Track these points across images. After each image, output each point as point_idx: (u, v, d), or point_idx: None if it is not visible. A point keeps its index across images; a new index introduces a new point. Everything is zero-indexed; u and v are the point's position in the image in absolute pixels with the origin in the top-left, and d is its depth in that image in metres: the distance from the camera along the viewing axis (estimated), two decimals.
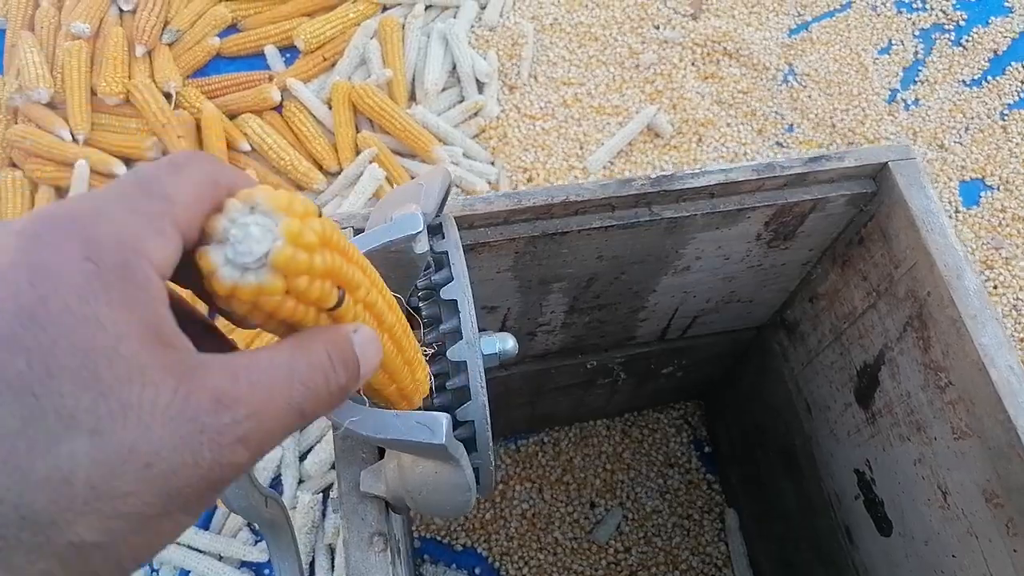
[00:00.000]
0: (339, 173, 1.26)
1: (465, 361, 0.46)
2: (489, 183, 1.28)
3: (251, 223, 0.25)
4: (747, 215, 0.70)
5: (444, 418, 0.38)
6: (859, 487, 0.79)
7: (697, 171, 0.67)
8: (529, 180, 1.30)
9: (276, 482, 1.12)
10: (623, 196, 0.66)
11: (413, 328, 0.46)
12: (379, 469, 0.51)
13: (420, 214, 0.42)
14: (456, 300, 0.48)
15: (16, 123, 1.25)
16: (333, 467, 1.12)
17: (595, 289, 0.78)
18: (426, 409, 0.50)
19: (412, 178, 1.27)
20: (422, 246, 0.43)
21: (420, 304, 0.53)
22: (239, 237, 0.25)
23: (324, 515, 1.08)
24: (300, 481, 1.11)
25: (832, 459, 0.84)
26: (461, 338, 0.47)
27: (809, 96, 1.43)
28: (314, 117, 1.29)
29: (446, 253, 0.50)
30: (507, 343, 0.55)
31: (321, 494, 1.10)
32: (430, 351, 0.49)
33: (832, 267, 0.78)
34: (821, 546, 0.90)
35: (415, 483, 0.47)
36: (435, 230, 0.53)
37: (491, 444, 0.48)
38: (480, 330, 0.51)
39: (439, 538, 1.08)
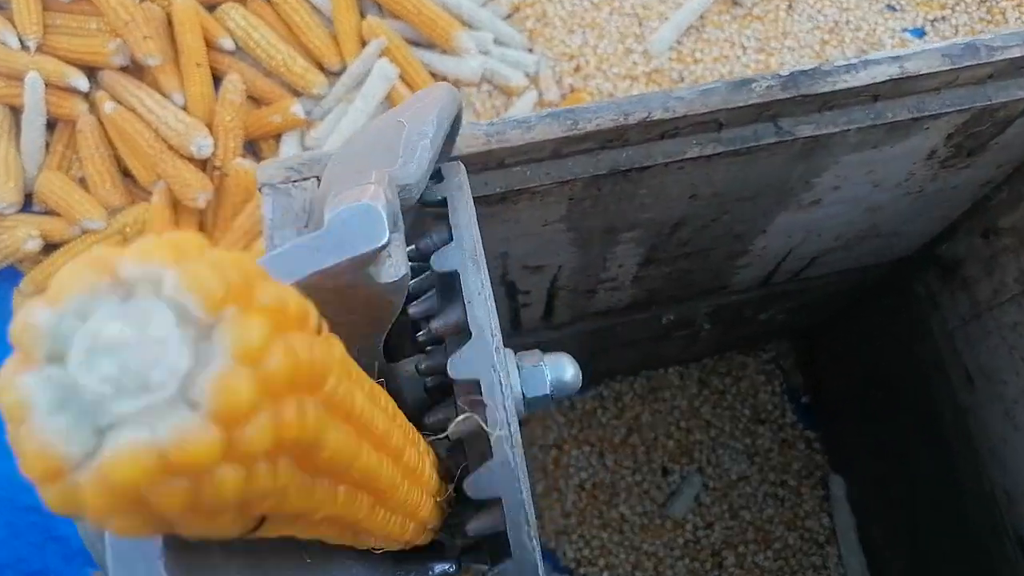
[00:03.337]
0: (343, 72, 1.02)
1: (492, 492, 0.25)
2: (527, 76, 1.03)
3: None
4: (924, 126, 0.46)
5: None
6: None
7: (854, 61, 0.43)
8: (576, 70, 1.04)
9: None
10: (736, 108, 0.42)
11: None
12: None
13: (379, 207, 0.20)
14: (462, 296, 0.26)
15: None
16: None
17: (681, 236, 0.55)
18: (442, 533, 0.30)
19: (432, 77, 1.03)
20: (390, 271, 0.21)
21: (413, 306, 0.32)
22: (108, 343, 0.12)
23: None
24: None
25: (1005, 446, 0.63)
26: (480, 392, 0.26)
27: None
28: (310, 3, 1.05)
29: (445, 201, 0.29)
30: (563, 372, 0.34)
31: None
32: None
33: None
34: (973, 547, 0.70)
35: None
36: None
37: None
38: (507, 343, 0.30)
39: None
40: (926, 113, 0.45)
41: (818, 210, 0.55)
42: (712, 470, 0.92)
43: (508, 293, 0.58)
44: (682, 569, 0.88)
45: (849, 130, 0.44)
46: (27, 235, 0.96)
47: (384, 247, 0.20)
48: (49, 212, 1.01)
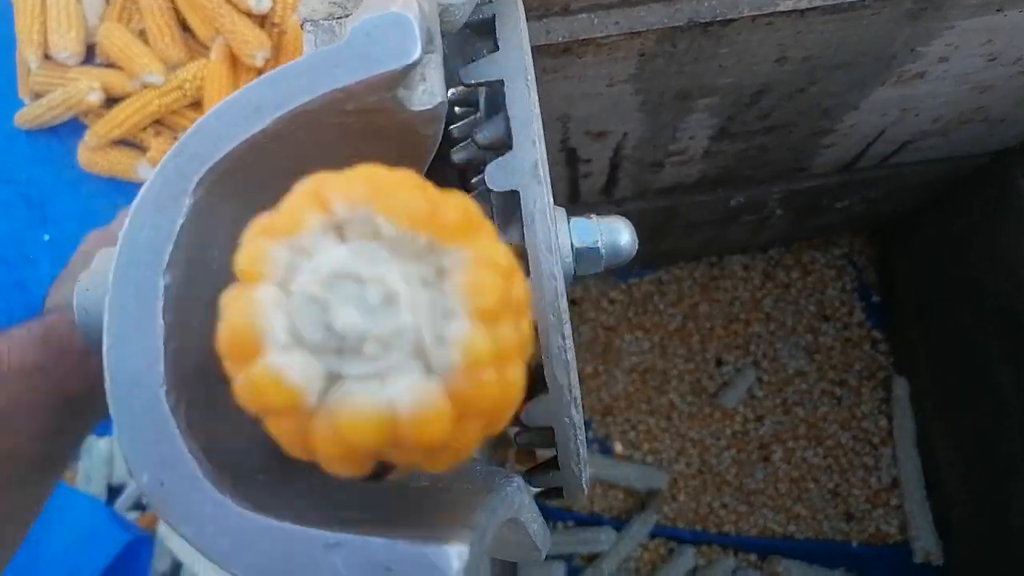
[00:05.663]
0: None
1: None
2: None
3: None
4: None
5: (454, 554, 0.16)
6: None
7: None
8: None
9: None
10: None
11: None
12: None
13: (411, 16, 0.17)
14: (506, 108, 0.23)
15: None
16: None
17: (763, 106, 0.50)
18: None
19: None
20: (423, 97, 0.18)
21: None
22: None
23: None
24: None
25: None
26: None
27: None
28: None
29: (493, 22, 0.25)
30: (619, 236, 0.32)
31: None
32: None
33: None
34: None
35: None
36: None
37: (582, 452, 0.27)
38: (556, 198, 0.28)
39: None
40: None
41: (920, 85, 0.49)
42: (768, 364, 0.90)
43: (568, 161, 0.55)
44: (727, 459, 0.87)
45: None
46: (89, 87, 0.96)
47: (414, 65, 0.18)
48: (110, 65, 1.00)
